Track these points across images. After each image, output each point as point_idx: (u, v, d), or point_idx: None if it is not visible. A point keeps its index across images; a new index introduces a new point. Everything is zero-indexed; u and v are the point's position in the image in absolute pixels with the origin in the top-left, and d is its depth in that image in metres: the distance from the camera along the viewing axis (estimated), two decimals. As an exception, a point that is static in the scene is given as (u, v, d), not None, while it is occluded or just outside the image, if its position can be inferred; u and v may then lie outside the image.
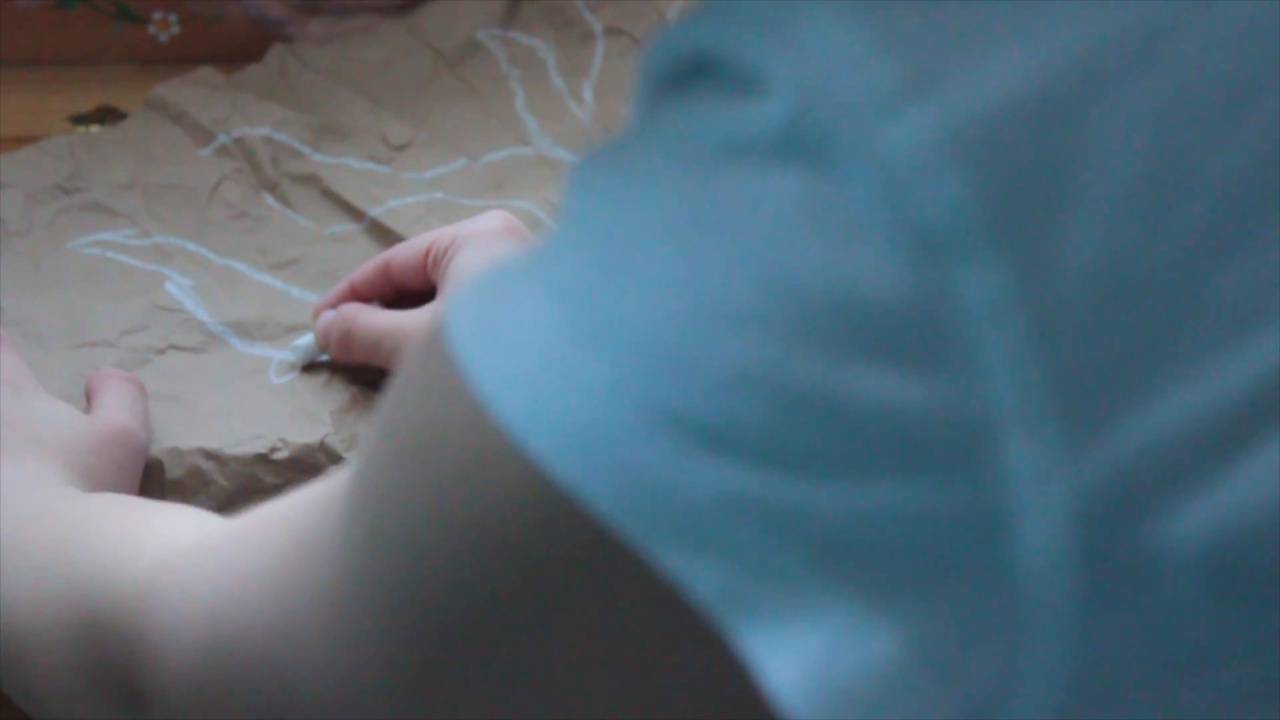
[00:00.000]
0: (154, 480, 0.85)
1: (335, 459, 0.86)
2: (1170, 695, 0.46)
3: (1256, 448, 0.44)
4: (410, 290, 0.93)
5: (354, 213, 1.00)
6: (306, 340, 0.93)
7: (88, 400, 0.86)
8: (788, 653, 0.45)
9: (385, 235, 0.99)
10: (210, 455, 0.86)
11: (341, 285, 0.93)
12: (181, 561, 0.63)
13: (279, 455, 0.86)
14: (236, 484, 0.85)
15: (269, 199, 1.00)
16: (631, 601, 0.47)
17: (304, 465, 0.86)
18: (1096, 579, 0.44)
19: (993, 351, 0.43)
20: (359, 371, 0.92)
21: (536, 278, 0.48)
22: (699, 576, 0.45)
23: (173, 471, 0.85)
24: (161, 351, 0.92)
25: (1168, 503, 0.44)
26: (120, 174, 1.00)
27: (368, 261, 0.94)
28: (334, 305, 0.92)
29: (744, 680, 0.46)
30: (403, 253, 0.93)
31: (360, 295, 0.93)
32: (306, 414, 0.89)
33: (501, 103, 1.08)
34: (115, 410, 0.84)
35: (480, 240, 0.91)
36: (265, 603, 0.56)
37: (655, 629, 0.48)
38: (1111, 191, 0.43)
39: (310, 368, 0.92)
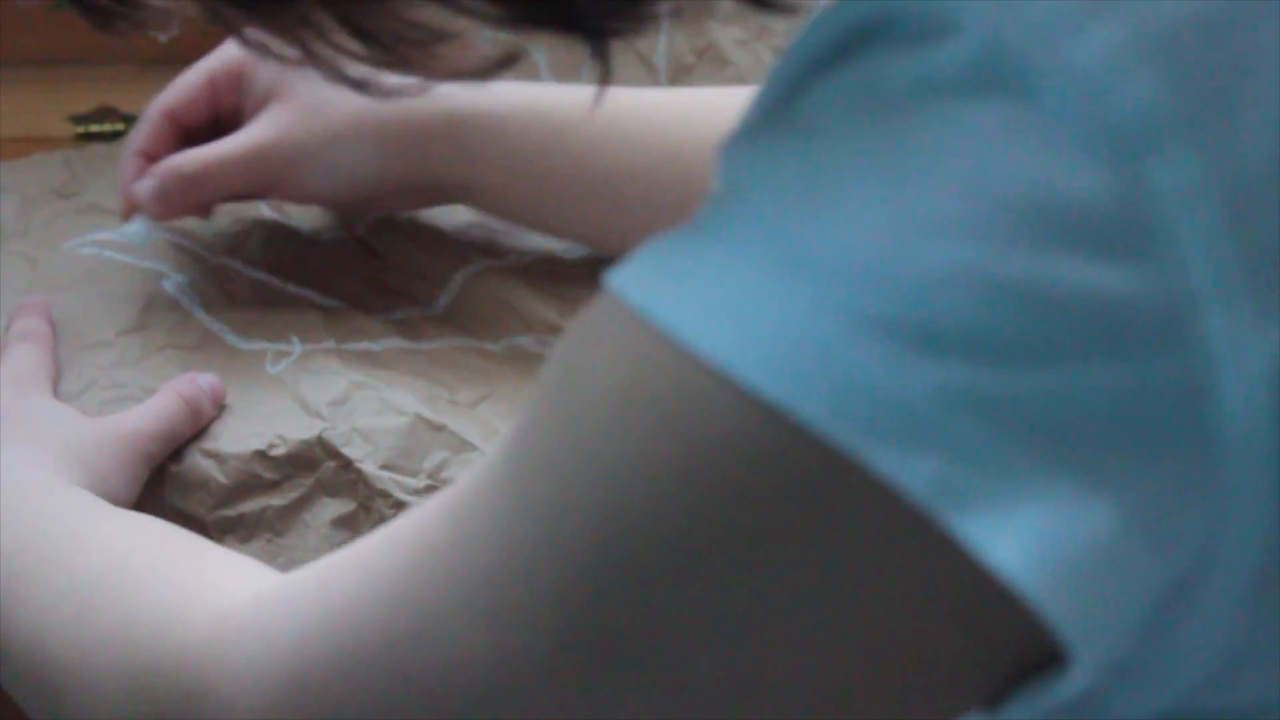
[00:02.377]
0: (154, 477, 0.85)
1: (332, 453, 0.86)
2: None
3: None
4: (193, 132, 0.93)
5: (347, 223, 1.01)
6: (135, 226, 0.92)
7: None
8: (1009, 534, 0.47)
9: (378, 240, 0.99)
10: (209, 454, 0.86)
11: (130, 157, 0.92)
12: (249, 612, 0.62)
13: (277, 451, 0.86)
14: (235, 480, 0.85)
15: (264, 207, 1.01)
16: (850, 516, 0.48)
17: (302, 461, 0.86)
18: None
19: (1188, 235, 0.46)
20: (353, 363, 0.92)
21: (713, 233, 0.50)
22: (914, 472, 0.47)
23: (171, 468, 0.86)
24: (160, 349, 0.92)
25: None
26: (113, 182, 1.00)
27: (142, 125, 0.92)
28: (137, 177, 0.91)
29: (968, 589, 0.48)
30: (181, 93, 0.92)
31: (155, 157, 0.92)
32: (303, 407, 0.89)
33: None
34: (138, 415, 0.85)
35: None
36: (381, 617, 0.56)
37: (876, 542, 0.49)
38: None
39: (307, 359, 0.92)
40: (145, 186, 0.91)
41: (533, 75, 1.10)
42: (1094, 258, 0.46)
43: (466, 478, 0.56)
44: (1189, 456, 0.47)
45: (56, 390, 0.88)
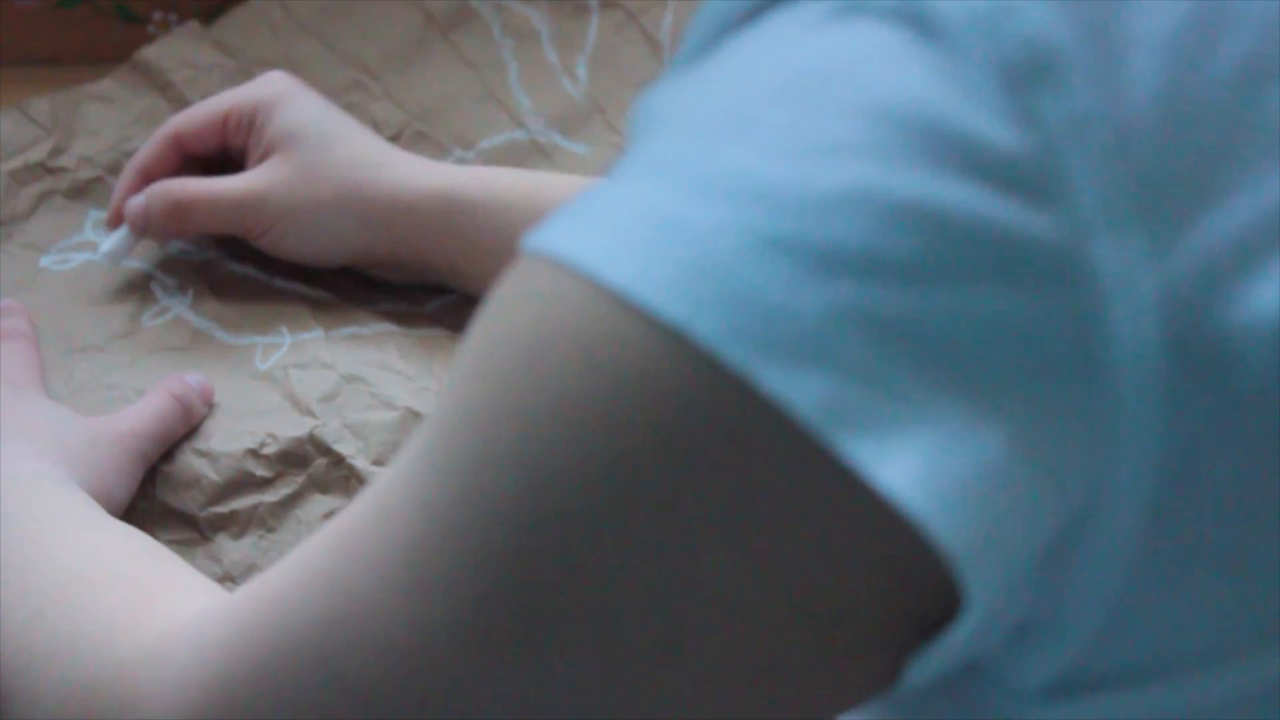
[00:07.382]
0: (145, 476, 0.86)
1: (324, 450, 0.87)
2: (1256, 489, 0.50)
3: None
4: (198, 159, 0.95)
5: None
6: (117, 236, 0.93)
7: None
8: (898, 456, 0.47)
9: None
10: (201, 453, 0.87)
11: (130, 172, 0.94)
12: (188, 625, 0.62)
13: (268, 450, 0.87)
14: (227, 478, 0.86)
15: None
16: (753, 446, 0.48)
17: (293, 458, 0.87)
18: (1181, 364, 0.48)
19: (1078, 166, 0.47)
20: (343, 352, 0.92)
21: (625, 174, 0.50)
22: (803, 391, 0.47)
23: (163, 468, 0.87)
24: (150, 352, 0.93)
25: (1240, 288, 0.48)
26: (102, 145, 1.01)
27: (149, 143, 0.95)
28: (133, 192, 0.94)
29: (876, 525, 0.48)
30: (194, 121, 0.95)
31: (153, 177, 0.95)
32: (294, 403, 0.89)
33: (494, 75, 1.09)
34: (132, 415, 0.86)
35: (297, 96, 0.94)
36: (303, 603, 0.56)
37: (782, 474, 0.48)
38: (1163, 31, 0.48)
39: (296, 349, 0.92)
40: (135, 203, 0.94)
41: (534, 45, 1.10)
42: (987, 188, 0.47)
43: (394, 462, 0.55)
44: (1079, 386, 0.48)
45: (46, 392, 0.89)
